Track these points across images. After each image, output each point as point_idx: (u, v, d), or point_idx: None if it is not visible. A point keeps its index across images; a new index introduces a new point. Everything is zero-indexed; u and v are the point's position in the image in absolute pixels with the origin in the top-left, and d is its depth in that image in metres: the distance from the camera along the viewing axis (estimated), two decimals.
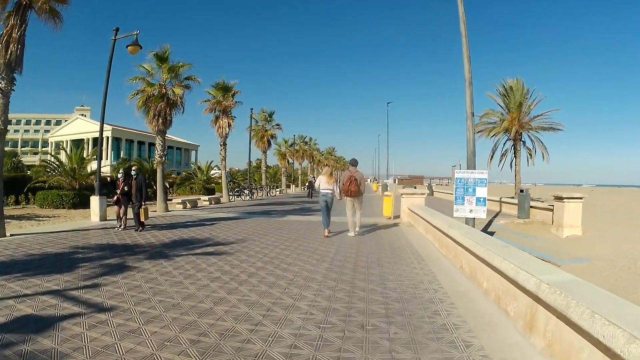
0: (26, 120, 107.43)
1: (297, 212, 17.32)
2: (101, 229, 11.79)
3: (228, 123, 24.51)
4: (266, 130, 34.54)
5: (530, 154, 29.41)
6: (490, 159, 29.49)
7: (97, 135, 70.94)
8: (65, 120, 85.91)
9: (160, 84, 18.20)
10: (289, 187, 46.46)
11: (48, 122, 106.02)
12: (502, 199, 20.39)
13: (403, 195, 13.68)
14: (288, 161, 44.75)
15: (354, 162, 10.72)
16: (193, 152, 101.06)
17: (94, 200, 14.65)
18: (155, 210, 18.05)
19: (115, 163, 70.21)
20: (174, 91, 18.19)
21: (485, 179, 9.26)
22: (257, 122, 33.77)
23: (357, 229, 10.65)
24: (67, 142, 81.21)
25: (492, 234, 12.06)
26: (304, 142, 52.24)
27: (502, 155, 30.24)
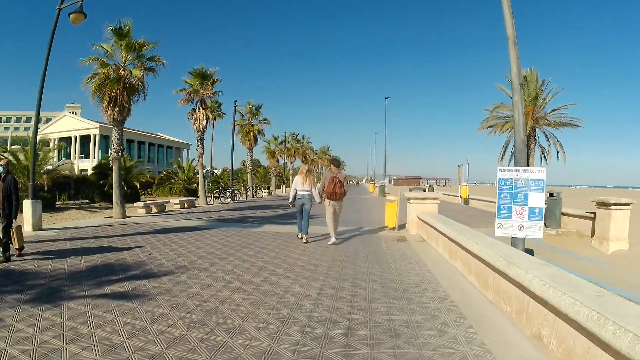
0: (16, 118, 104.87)
1: (278, 219, 14.31)
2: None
3: (206, 115, 21.44)
4: (252, 125, 31.26)
5: (543, 153, 26.65)
6: (501, 158, 26.57)
7: (86, 133, 68.49)
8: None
9: (116, 65, 15.22)
10: (279, 188, 43.38)
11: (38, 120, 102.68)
12: None
13: (411, 201, 10.70)
14: (278, 160, 41.37)
15: (337, 162, 9.98)
16: (184, 151, 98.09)
17: (26, 206, 11.57)
18: (112, 216, 15.12)
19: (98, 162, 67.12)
20: (131, 73, 15.18)
21: (543, 180, 6.32)
22: (242, 115, 30.68)
23: (334, 233, 9.32)
24: (54, 139, 78.36)
25: (532, 252, 9.11)
26: (296, 140, 49.00)
27: (513, 153, 27.39)
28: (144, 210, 16.58)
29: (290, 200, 9.63)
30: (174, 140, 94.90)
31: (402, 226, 11.31)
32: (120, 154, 15.77)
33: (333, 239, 9.16)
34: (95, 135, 73.57)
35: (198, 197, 21.92)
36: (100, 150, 74.92)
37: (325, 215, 9.42)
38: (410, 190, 12.38)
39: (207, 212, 17.44)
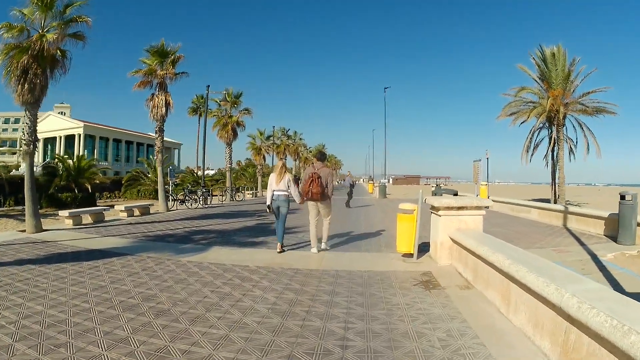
0: (4, 119, 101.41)
1: (240, 236, 10.09)
2: None
3: (166, 101, 17.28)
4: (230, 117, 26.76)
5: (571, 146, 22.39)
6: (527, 151, 22.54)
7: (70, 132, 64.55)
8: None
9: (24, 28, 11.28)
10: (266, 189, 39.10)
11: None
12: (570, 209, 13.35)
13: (440, 212, 6.51)
14: (264, 157, 36.84)
15: (320, 156, 8.50)
16: (175, 151, 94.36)
17: None
18: (25, 229, 11.11)
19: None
20: (45, 37, 11.20)
21: None
22: (219, 105, 26.37)
23: (322, 245, 8.19)
24: (39, 140, 74.45)
25: None
26: (287, 136, 44.25)
27: (536, 147, 23.22)
28: (71, 221, 12.46)
29: (267, 203, 8.02)
30: (164, 140, 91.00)
31: (422, 247, 7.17)
32: (32, 146, 11.63)
33: (314, 249, 7.89)
34: (79, 135, 69.91)
35: (156, 202, 17.66)
36: (86, 151, 71.12)
37: (309, 220, 8.03)
38: (434, 193, 8.21)
39: (156, 222, 13.28)
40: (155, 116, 17.27)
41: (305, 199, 7.91)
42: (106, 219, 14.08)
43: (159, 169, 17.82)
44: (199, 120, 59.07)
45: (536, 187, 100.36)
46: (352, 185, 21.36)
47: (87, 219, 13.37)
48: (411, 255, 6.83)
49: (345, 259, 7.10)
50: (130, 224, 12.92)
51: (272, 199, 7.89)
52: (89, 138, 73.20)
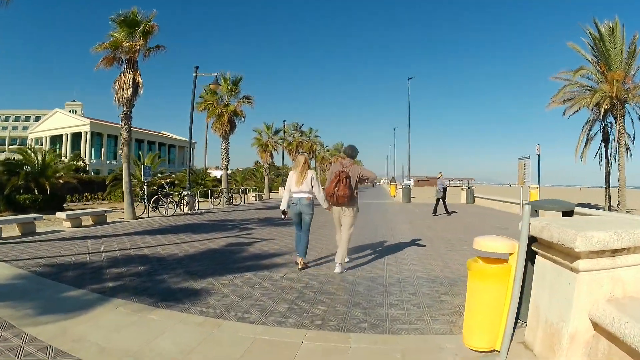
0: (15, 117, 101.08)
1: (182, 274, 6.23)
2: None
3: (134, 80, 13.80)
4: (226, 106, 22.68)
5: (627, 143, 18.34)
6: (584, 147, 18.47)
7: (77, 130, 62.07)
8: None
9: None
10: (275, 190, 35.51)
11: (38, 119, 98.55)
12: None
13: (581, 263, 2.57)
14: (272, 155, 31.84)
15: (351, 152, 6.63)
16: (190, 150, 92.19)
17: None
18: None
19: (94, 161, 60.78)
20: None
21: None
22: (215, 93, 22.66)
23: (337, 267, 6.27)
24: (46, 137, 72.66)
25: None
26: (300, 132, 40.50)
27: (587, 142, 19.17)
28: None
29: (282, 208, 6.58)
30: (177, 139, 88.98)
31: (514, 332, 3.36)
32: None
33: (338, 267, 6.13)
34: (86, 132, 67.88)
35: (108, 210, 13.96)
36: (93, 149, 69.06)
37: (336, 228, 6.54)
38: (538, 206, 4.10)
39: (96, 238, 9.69)
40: (120, 99, 13.80)
41: (329, 202, 6.44)
42: (45, 229, 10.80)
43: (124, 166, 14.38)
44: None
45: (555, 190, 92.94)
46: (444, 189, 17.23)
47: (13, 231, 10.10)
48: (491, 352, 3.03)
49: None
50: (63, 239, 9.46)
51: (291, 203, 6.52)
52: (97, 136, 71.19)
